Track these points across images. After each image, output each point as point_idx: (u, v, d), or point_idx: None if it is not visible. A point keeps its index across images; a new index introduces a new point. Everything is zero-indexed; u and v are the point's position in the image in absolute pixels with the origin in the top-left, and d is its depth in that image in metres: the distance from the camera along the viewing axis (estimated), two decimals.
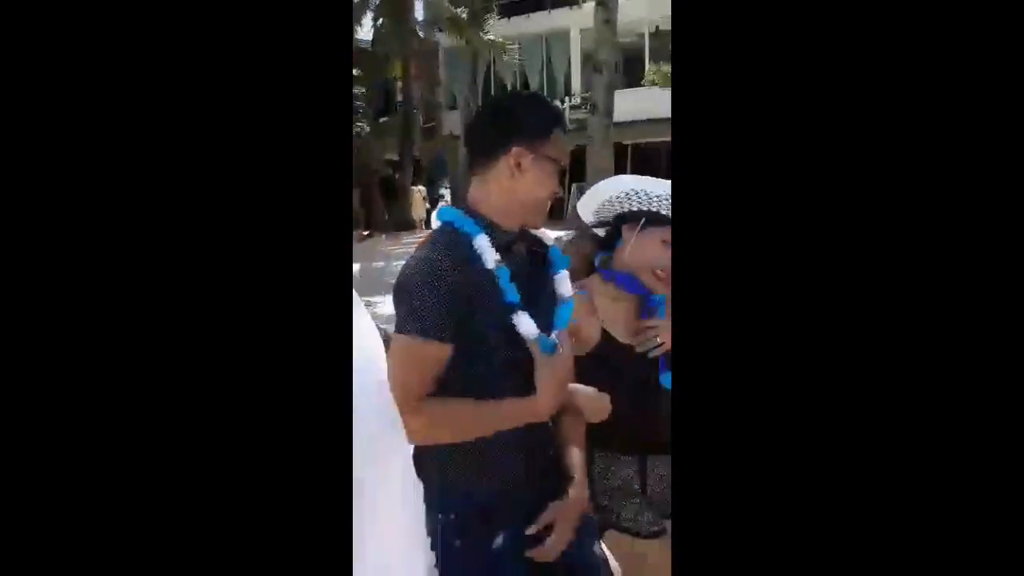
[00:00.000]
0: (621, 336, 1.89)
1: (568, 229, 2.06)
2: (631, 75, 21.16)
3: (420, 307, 1.45)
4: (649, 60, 21.47)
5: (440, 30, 20.79)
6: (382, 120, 21.99)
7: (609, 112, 10.76)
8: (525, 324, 1.52)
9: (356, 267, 1.73)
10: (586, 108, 13.25)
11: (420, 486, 1.62)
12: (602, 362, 1.84)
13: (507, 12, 21.42)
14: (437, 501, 1.61)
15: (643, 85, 20.16)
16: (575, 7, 20.75)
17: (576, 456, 1.67)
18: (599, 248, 1.99)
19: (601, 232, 2.03)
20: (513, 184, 1.54)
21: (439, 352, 1.47)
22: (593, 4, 10.84)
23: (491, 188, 1.56)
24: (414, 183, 21.17)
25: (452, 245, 1.51)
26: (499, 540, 1.57)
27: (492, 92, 20.81)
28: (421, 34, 20.82)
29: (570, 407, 1.64)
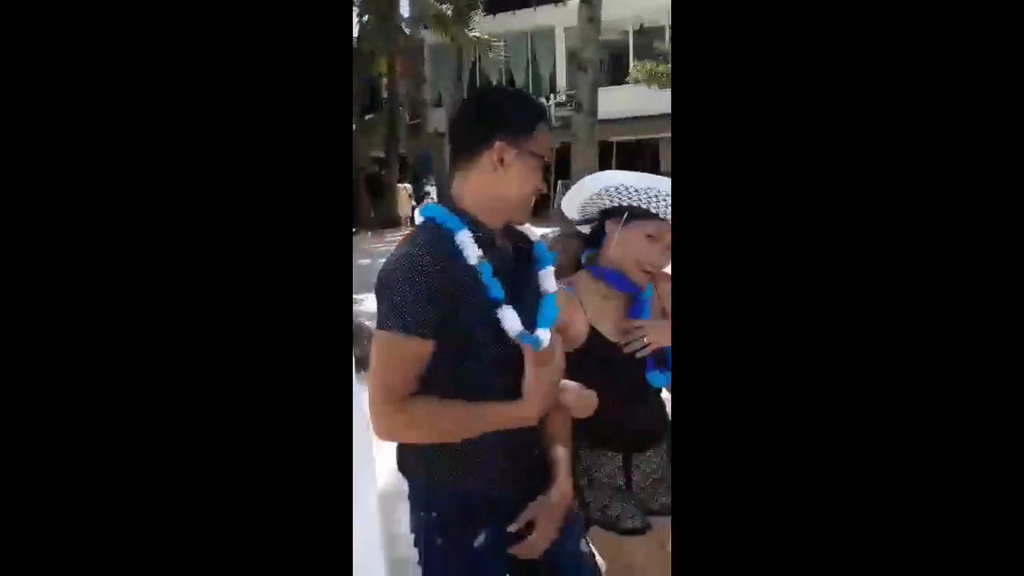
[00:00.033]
0: (609, 334, 1.89)
1: (554, 226, 2.06)
2: (616, 72, 21.18)
3: (402, 303, 1.43)
4: (633, 57, 21.48)
5: (426, 27, 20.70)
6: (368, 117, 21.87)
7: (594, 110, 10.76)
8: (509, 319, 1.51)
9: None
10: (571, 106, 13.25)
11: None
12: (589, 358, 1.84)
13: (492, 9, 21.37)
14: (421, 499, 1.60)
15: (628, 82, 20.16)
16: (560, 4, 20.76)
17: (561, 453, 1.67)
18: (586, 245, 1.99)
19: (586, 229, 2.03)
20: (496, 179, 1.53)
21: (421, 349, 1.46)
22: (577, 2, 10.83)
23: (474, 184, 1.55)
24: (400, 180, 21.10)
25: (434, 241, 1.50)
26: (482, 538, 1.56)
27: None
28: (407, 31, 20.72)
29: (556, 403, 1.64)
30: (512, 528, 1.57)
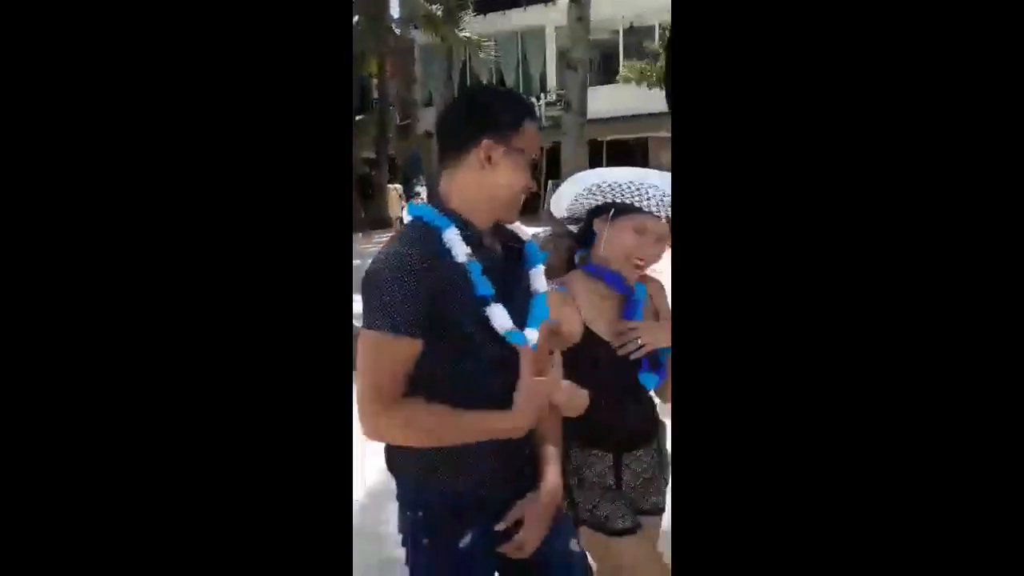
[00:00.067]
0: (604, 334, 1.88)
1: (545, 226, 2.05)
2: (605, 72, 21.20)
3: (391, 303, 1.42)
4: (623, 57, 21.51)
5: (416, 27, 20.68)
6: (358, 118, 21.81)
7: (583, 110, 10.76)
8: (498, 316, 1.50)
9: None
10: (561, 105, 13.25)
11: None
12: (583, 358, 1.84)
13: (482, 9, 21.35)
14: (410, 498, 1.60)
15: (617, 81, 20.18)
16: (550, 4, 20.76)
17: (551, 452, 1.67)
18: (578, 245, 1.99)
19: (575, 229, 2.03)
20: (483, 177, 1.52)
21: (411, 349, 1.45)
22: (567, 1, 10.83)
23: (461, 182, 1.54)
24: (390, 181, 21.04)
25: (422, 240, 1.49)
26: (469, 538, 1.55)
27: None
28: (397, 31, 20.70)
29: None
30: (500, 527, 1.57)
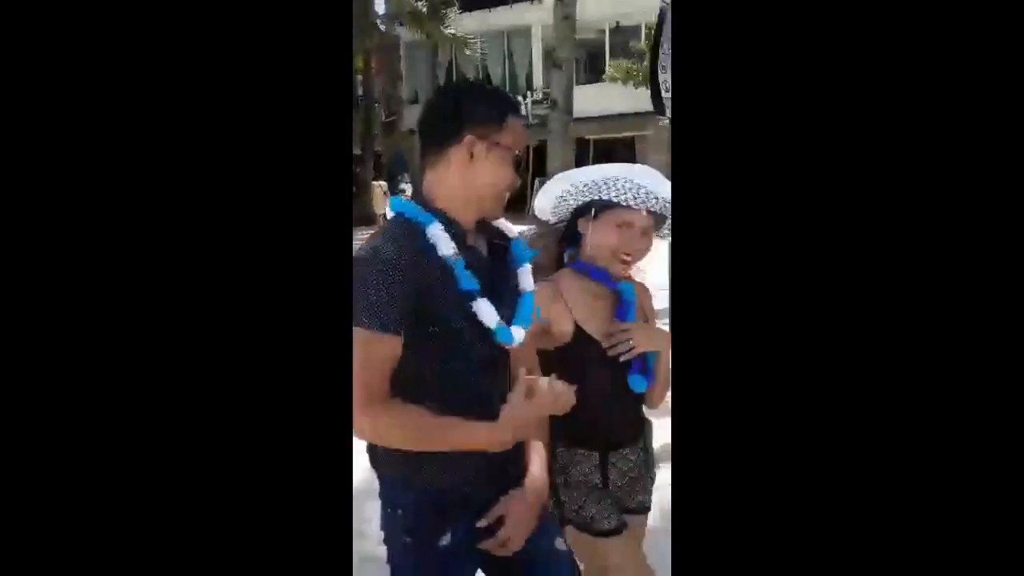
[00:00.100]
0: (595, 333, 1.89)
1: (531, 224, 2.06)
2: (592, 71, 21.25)
3: (377, 302, 1.41)
4: (610, 56, 21.56)
5: (401, 24, 20.67)
6: None
7: (569, 108, 10.79)
8: (485, 311, 1.49)
9: None
10: (547, 104, 13.27)
11: None
12: (572, 356, 1.84)
13: (469, 6, 21.36)
14: (393, 496, 1.58)
15: (604, 80, 20.23)
16: (536, 2, 20.77)
17: (537, 448, 1.66)
18: (566, 244, 1.99)
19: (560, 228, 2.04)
20: (467, 174, 1.50)
21: (398, 346, 1.44)
22: (553, 0, 10.85)
23: (445, 179, 1.52)
24: (375, 178, 21.04)
25: (406, 236, 1.48)
26: (452, 536, 1.54)
27: None
28: (382, 28, 20.67)
29: (521, 381, 1.61)
30: (482, 523, 1.55)
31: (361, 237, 1.69)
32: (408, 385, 1.47)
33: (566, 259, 1.98)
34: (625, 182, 1.84)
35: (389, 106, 23.27)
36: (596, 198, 1.87)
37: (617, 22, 21.57)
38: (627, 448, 1.96)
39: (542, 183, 2.12)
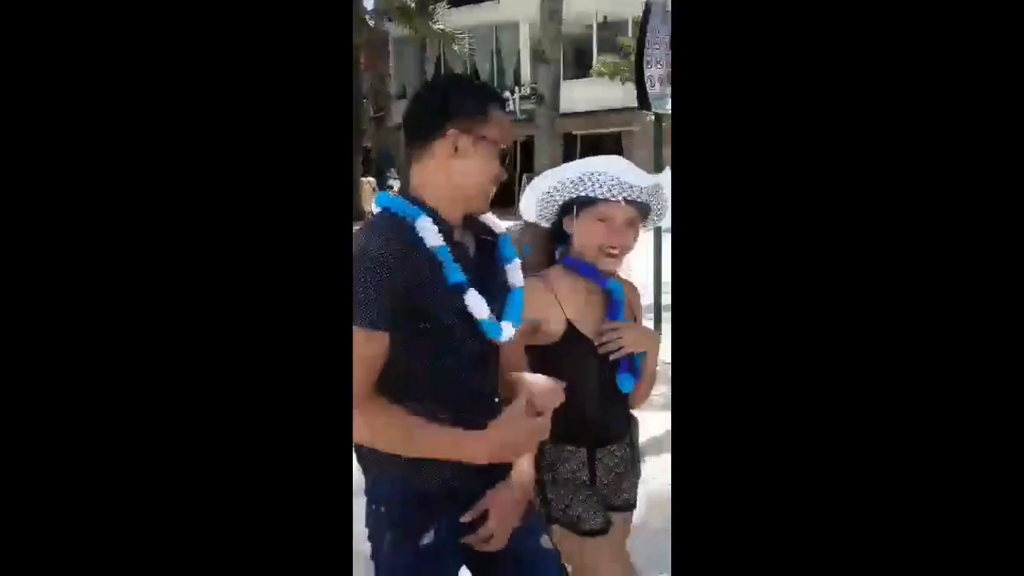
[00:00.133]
0: (586, 331, 1.89)
1: (518, 219, 2.06)
2: (579, 66, 21.24)
3: (366, 299, 1.39)
4: (597, 51, 21.55)
5: (390, 20, 20.61)
6: None
7: (556, 104, 10.78)
8: (475, 304, 1.48)
9: None
10: (534, 99, 13.25)
11: None
12: (562, 353, 1.85)
13: (456, 2, 21.31)
14: (377, 492, 1.57)
15: (591, 75, 20.23)
16: None
17: None
18: (555, 241, 2.00)
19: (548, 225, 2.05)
20: (452, 168, 1.49)
21: (385, 343, 1.43)
22: None
23: (430, 173, 1.51)
24: (364, 174, 20.97)
25: (392, 230, 1.47)
26: (436, 532, 1.52)
27: None
28: (371, 23, 20.60)
29: (521, 395, 1.60)
30: (466, 518, 1.54)
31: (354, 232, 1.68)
32: (399, 382, 1.46)
33: (557, 256, 1.99)
34: (597, 175, 1.84)
35: (377, 102, 23.21)
36: (576, 195, 1.88)
37: (604, 17, 21.58)
38: (614, 444, 1.96)
39: (530, 179, 2.12)
